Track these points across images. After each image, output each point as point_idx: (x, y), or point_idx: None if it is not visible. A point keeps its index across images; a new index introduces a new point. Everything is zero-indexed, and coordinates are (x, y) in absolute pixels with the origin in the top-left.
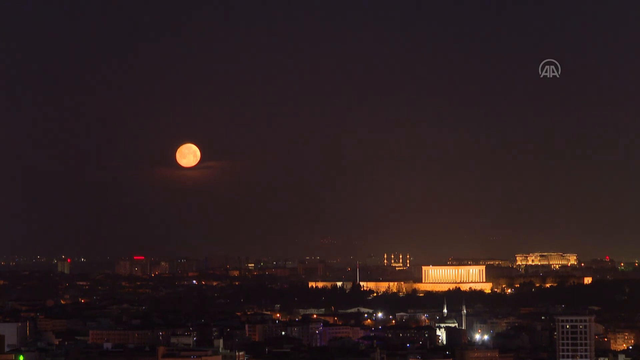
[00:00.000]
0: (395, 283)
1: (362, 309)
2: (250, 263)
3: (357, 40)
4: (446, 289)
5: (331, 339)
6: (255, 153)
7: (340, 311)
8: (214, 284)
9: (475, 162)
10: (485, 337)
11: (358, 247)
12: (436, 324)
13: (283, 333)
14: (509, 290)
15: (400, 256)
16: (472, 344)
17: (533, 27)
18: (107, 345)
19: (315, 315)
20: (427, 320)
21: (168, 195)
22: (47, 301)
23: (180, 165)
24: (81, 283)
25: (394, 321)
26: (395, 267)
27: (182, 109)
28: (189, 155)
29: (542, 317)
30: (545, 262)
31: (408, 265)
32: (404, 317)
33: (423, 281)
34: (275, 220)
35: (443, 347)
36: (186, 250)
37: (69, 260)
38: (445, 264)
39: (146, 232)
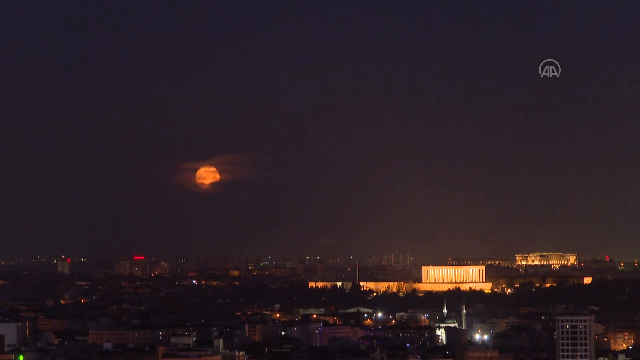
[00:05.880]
0: (395, 283)
1: (362, 309)
2: (250, 263)
3: (351, 40)
4: (446, 289)
5: (331, 339)
6: (255, 154)
7: (340, 311)
8: (214, 284)
9: (475, 162)
10: (485, 337)
11: (358, 247)
12: (436, 324)
13: (283, 333)
14: (509, 290)
15: (400, 256)
16: (472, 344)
17: (533, 27)
18: (107, 345)
19: (315, 315)
20: (427, 320)
21: (168, 196)
22: (47, 301)
23: (201, 187)
24: (81, 283)
25: (394, 321)
26: (395, 267)
27: (180, 110)
28: (208, 176)
29: (542, 317)
30: (545, 262)
31: (408, 265)
32: (404, 317)
33: (423, 281)
34: (276, 220)
35: (443, 347)
36: (186, 250)
37: (69, 260)
38: (445, 264)
39: (146, 232)
